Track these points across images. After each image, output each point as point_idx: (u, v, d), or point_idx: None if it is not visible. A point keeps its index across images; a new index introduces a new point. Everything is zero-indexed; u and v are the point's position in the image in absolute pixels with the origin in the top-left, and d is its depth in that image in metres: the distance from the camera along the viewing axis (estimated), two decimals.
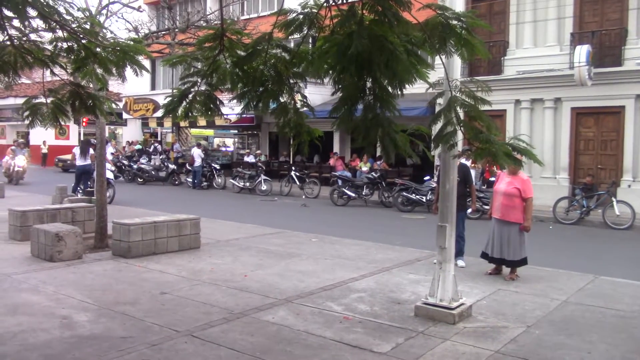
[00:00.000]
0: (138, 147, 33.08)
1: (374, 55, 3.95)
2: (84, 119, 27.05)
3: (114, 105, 7.49)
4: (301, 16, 4.45)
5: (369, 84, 4.33)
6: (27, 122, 6.03)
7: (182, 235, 10.17)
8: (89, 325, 6.09)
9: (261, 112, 5.29)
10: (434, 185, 15.37)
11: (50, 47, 5.57)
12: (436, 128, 4.78)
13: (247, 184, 23.15)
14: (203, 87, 5.19)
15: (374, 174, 20.22)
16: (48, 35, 5.66)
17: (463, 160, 9.14)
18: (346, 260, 9.64)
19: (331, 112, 4.59)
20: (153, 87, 34.76)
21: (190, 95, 5.20)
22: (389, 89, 4.34)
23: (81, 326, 6.05)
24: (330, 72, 4.40)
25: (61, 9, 5.03)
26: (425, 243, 11.06)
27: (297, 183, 22.57)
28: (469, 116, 4.61)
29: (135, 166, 26.92)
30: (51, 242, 9.02)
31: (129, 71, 5.88)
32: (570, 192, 18.32)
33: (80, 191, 17.54)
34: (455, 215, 6.87)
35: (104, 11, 11.23)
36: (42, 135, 34.04)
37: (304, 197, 21.52)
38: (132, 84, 28.25)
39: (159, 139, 36.45)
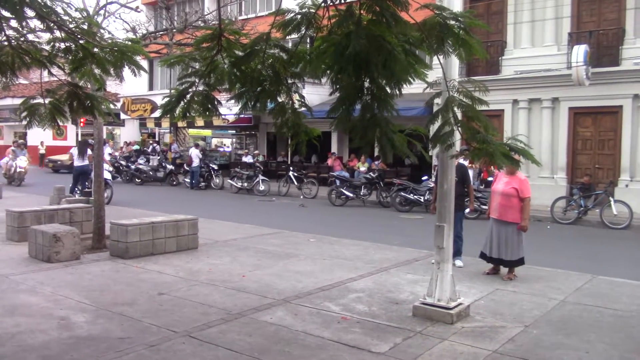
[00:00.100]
0: (136, 147, 33.03)
1: (372, 55, 3.95)
2: (82, 120, 27.01)
3: (111, 106, 7.48)
4: (299, 16, 4.45)
5: (366, 84, 4.33)
6: (24, 122, 6.02)
7: (180, 236, 10.17)
8: (86, 326, 6.08)
9: (259, 112, 5.29)
10: (432, 185, 15.39)
11: (47, 48, 5.56)
12: (434, 128, 4.79)
13: (245, 184, 23.13)
14: (201, 87, 5.18)
15: (372, 174, 20.22)
16: (46, 36, 5.65)
17: (461, 160, 9.14)
18: (344, 260, 9.64)
19: (329, 112, 4.59)
20: (151, 88, 34.73)
21: (188, 96, 5.19)
22: (387, 89, 4.35)
23: (79, 327, 6.04)
24: (328, 72, 4.40)
25: (59, 9, 5.03)
26: (423, 243, 11.07)
27: (295, 183, 22.57)
28: (467, 116, 4.61)
29: (133, 167, 26.87)
30: (49, 243, 9.01)
31: (126, 71, 5.87)
32: (568, 191, 18.34)
33: (78, 192, 17.51)
34: (453, 215, 6.88)
35: (102, 11, 11.23)
36: (40, 136, 33.99)
37: (302, 197, 21.52)
38: (130, 85, 28.29)
39: (156, 139, 36.40)
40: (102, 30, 6.76)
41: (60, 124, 6.04)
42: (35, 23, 5.24)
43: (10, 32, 5.38)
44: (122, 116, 34.91)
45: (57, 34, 5.29)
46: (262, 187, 22.62)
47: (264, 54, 4.73)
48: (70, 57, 5.48)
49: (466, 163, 9.78)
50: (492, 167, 4.71)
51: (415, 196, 17.85)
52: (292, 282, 8.12)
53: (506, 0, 20.14)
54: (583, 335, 6.11)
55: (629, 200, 15.78)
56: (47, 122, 5.95)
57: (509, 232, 8.49)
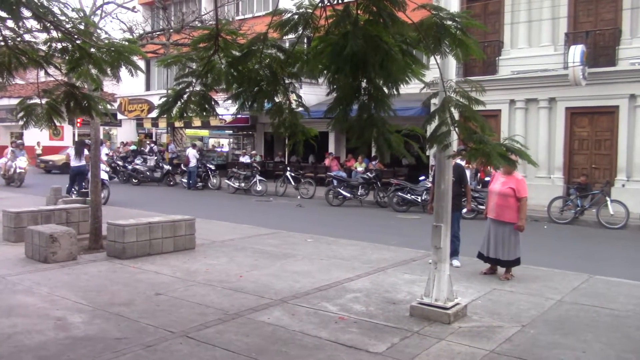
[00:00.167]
0: (133, 147, 32.99)
1: (369, 56, 3.95)
2: (79, 120, 26.94)
3: (108, 106, 7.47)
4: (296, 16, 4.45)
5: (363, 84, 4.33)
6: (21, 123, 6.01)
7: (177, 236, 10.15)
8: (83, 326, 6.07)
9: (256, 112, 5.29)
10: (429, 185, 15.40)
11: (44, 48, 5.55)
12: (431, 128, 4.79)
13: (242, 184, 23.12)
14: (198, 88, 5.18)
15: (369, 174, 20.24)
16: (42, 36, 5.64)
17: (458, 161, 9.16)
18: (341, 260, 9.64)
19: (326, 112, 4.59)
20: (148, 88, 34.71)
21: (185, 96, 5.19)
22: (384, 89, 4.35)
23: (76, 327, 6.03)
24: (325, 72, 4.40)
25: (55, 10, 5.01)
26: (421, 243, 11.08)
27: (293, 183, 22.57)
28: (464, 116, 4.62)
29: (130, 167, 26.84)
30: (45, 243, 9.00)
31: (123, 71, 5.86)
32: (564, 191, 18.36)
33: (75, 192, 17.49)
34: (451, 215, 6.88)
35: (99, 11, 11.21)
36: (36, 136, 33.91)
37: (299, 197, 21.53)
38: (127, 85, 28.27)
39: (154, 139, 36.37)
40: (99, 31, 6.74)
41: (57, 124, 6.03)
42: (32, 23, 5.24)
43: (6, 32, 5.37)
44: (119, 116, 34.89)
45: (54, 34, 5.28)
46: (259, 188, 22.62)
47: (261, 54, 4.73)
48: (67, 57, 5.47)
49: (463, 163, 9.80)
50: (488, 167, 4.72)
51: (412, 196, 17.87)
52: (289, 282, 8.12)
53: (503, 1, 20.19)
54: (580, 334, 6.12)
55: (625, 200, 15.81)
56: (44, 123, 5.94)
57: (506, 232, 8.50)
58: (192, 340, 5.70)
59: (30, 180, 25.04)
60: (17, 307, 6.70)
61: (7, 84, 6.07)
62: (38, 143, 36.09)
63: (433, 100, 5.92)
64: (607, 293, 7.84)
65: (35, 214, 11.01)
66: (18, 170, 23.92)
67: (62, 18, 5.19)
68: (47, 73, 5.82)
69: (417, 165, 20.94)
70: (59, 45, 5.42)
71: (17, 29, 5.30)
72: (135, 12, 16.73)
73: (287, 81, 5.04)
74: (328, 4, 4.31)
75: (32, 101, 6.02)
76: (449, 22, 4.29)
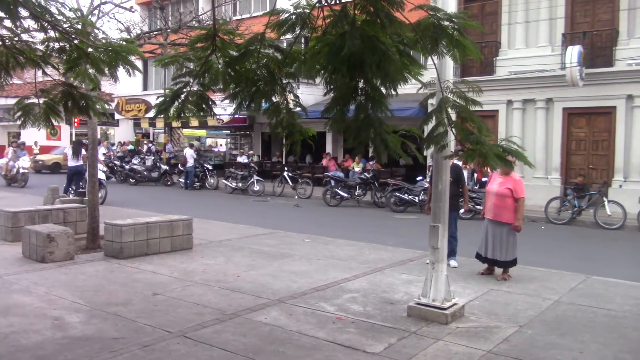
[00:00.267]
0: (130, 147, 32.96)
1: (366, 56, 3.95)
2: (76, 120, 26.89)
3: (106, 106, 7.47)
4: (294, 16, 4.45)
5: (361, 84, 4.34)
6: (19, 122, 6.01)
7: (174, 236, 10.15)
8: (80, 326, 6.07)
9: (253, 112, 5.29)
10: (427, 185, 15.40)
11: (42, 47, 5.55)
12: (427, 129, 4.79)
13: (240, 184, 23.12)
14: (195, 88, 5.18)
15: (367, 175, 20.25)
16: (40, 36, 5.64)
17: (455, 161, 9.16)
18: (339, 260, 9.65)
19: (323, 113, 4.59)
20: (145, 88, 34.66)
21: (182, 96, 5.19)
22: (381, 89, 4.35)
23: (73, 327, 6.03)
24: (323, 72, 4.40)
25: (53, 9, 5.02)
26: (418, 243, 11.09)
27: (290, 183, 22.56)
28: (461, 117, 4.62)
29: (127, 167, 26.81)
30: (43, 243, 8.99)
31: (121, 71, 5.86)
32: (562, 192, 18.40)
33: (72, 192, 17.47)
34: (448, 215, 6.89)
35: (96, 11, 11.20)
36: (34, 136, 33.83)
37: (296, 197, 21.53)
38: (124, 85, 28.19)
39: (151, 139, 36.35)
40: (96, 30, 6.75)
41: (55, 124, 6.03)
42: (29, 23, 5.23)
43: (4, 32, 5.37)
44: (117, 116, 34.84)
45: (51, 33, 5.28)
46: (256, 187, 22.62)
47: (258, 54, 4.73)
48: (64, 57, 5.47)
49: (461, 163, 9.80)
50: (485, 168, 4.74)
51: (409, 196, 17.87)
52: (286, 282, 8.12)
53: (500, 1, 20.21)
54: (577, 335, 6.13)
55: (622, 200, 15.84)
56: (41, 122, 5.95)
57: (503, 233, 8.51)
58: (190, 340, 5.70)
59: (31, 181, 24.96)
60: (14, 306, 6.69)
61: (4, 84, 6.07)
62: (35, 143, 36.03)
63: (430, 101, 5.90)
64: (604, 294, 7.85)
65: (32, 214, 11.00)
66: (22, 171, 23.57)
67: (60, 18, 5.19)
68: (44, 73, 5.82)
69: (414, 165, 20.98)
70: (57, 45, 5.42)
71: (14, 28, 5.29)
72: (133, 12, 16.70)
73: (284, 81, 5.04)
74: (325, 4, 4.31)
75: (29, 101, 6.03)
76: (447, 23, 4.30)
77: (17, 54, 5.42)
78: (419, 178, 18.96)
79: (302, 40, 4.85)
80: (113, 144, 34.94)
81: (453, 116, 4.54)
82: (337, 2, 4.34)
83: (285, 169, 23.71)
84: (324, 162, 25.23)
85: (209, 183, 25.02)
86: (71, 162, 17.88)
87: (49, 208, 11.83)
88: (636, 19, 17.78)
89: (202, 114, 5.33)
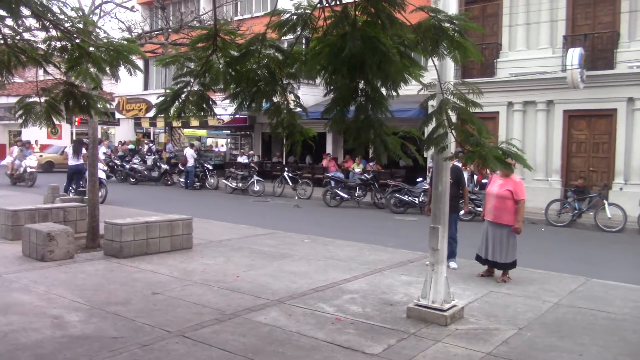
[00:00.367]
0: (131, 147, 32.97)
1: (367, 57, 3.96)
2: (77, 119, 26.88)
3: (107, 105, 7.48)
4: (295, 17, 4.46)
5: (361, 85, 4.34)
6: (20, 121, 6.01)
7: (174, 236, 10.15)
8: (80, 325, 6.07)
9: (254, 112, 5.30)
10: (427, 186, 15.40)
11: (43, 46, 5.56)
12: (428, 130, 4.80)
13: (240, 184, 23.12)
14: (196, 87, 5.19)
15: (367, 175, 20.24)
16: (41, 35, 5.65)
17: (456, 163, 9.17)
18: (338, 261, 9.65)
19: (323, 113, 4.59)
20: (146, 87, 34.67)
21: (183, 95, 5.20)
22: (382, 90, 4.35)
23: (72, 326, 6.03)
24: (323, 73, 4.40)
25: (55, 8, 5.02)
26: (418, 245, 11.09)
27: (290, 184, 22.56)
28: (461, 119, 4.62)
29: (127, 166, 26.81)
30: (43, 241, 8.99)
31: (122, 71, 5.87)
32: (562, 194, 18.39)
33: (72, 191, 17.48)
34: (448, 217, 6.89)
35: (97, 10, 11.21)
36: (35, 135, 33.84)
37: (296, 198, 21.53)
38: (125, 84, 28.23)
39: (151, 139, 36.35)
40: (97, 30, 6.76)
41: (56, 122, 6.04)
42: (31, 22, 5.24)
43: (6, 31, 5.38)
44: (117, 115, 34.83)
45: (53, 32, 5.29)
46: (256, 188, 22.61)
47: (259, 54, 4.73)
48: (66, 56, 5.47)
49: (460, 165, 9.81)
50: (485, 170, 4.75)
51: (409, 198, 17.87)
52: (286, 282, 8.12)
53: (501, 3, 20.19)
54: (577, 337, 6.13)
55: (623, 203, 15.84)
56: (42, 121, 5.95)
57: (503, 235, 8.51)
58: (189, 340, 5.70)
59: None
60: (13, 305, 6.69)
61: (6, 82, 6.08)
62: (36, 141, 36.01)
63: (431, 102, 5.91)
64: (604, 296, 7.85)
65: (32, 212, 11.01)
66: (29, 170, 23.25)
67: (62, 17, 5.20)
68: (46, 72, 5.83)
69: (414, 166, 20.97)
70: (58, 44, 5.43)
71: (16, 27, 5.30)
72: (134, 11, 16.75)
73: (285, 81, 5.05)
74: (327, 4, 4.31)
75: (31, 99, 6.04)
76: (447, 25, 4.31)
77: (19, 53, 5.42)
78: (419, 179, 18.94)
79: (303, 41, 4.86)
80: (109, 147, 34.97)
81: (453, 118, 4.54)
82: (338, 2, 4.34)
83: (286, 169, 23.71)
84: (324, 162, 25.23)
85: (209, 183, 25.02)
86: (72, 161, 17.89)
87: (49, 207, 11.83)
88: (637, 22, 17.77)
89: (202, 113, 5.34)
